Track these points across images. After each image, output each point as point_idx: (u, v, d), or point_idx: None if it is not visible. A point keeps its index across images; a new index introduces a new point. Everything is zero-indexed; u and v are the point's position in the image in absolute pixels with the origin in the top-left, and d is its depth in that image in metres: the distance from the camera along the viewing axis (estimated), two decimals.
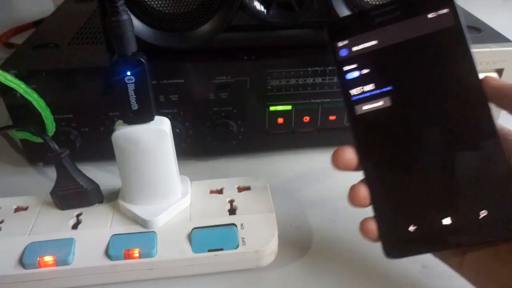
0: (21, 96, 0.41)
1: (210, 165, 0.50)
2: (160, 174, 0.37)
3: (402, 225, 0.29)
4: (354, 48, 0.31)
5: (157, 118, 0.36)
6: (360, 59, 0.30)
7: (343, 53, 0.31)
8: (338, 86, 0.30)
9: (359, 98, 0.30)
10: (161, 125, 0.36)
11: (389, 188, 0.29)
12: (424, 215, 0.29)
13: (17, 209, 0.40)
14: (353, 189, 0.30)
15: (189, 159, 0.49)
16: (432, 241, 0.28)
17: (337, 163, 0.30)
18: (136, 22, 0.41)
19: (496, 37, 0.48)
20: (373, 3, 0.43)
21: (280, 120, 0.47)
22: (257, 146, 0.50)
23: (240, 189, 0.42)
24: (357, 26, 0.31)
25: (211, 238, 0.36)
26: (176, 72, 0.44)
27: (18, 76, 0.41)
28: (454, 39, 0.29)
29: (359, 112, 0.30)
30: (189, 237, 0.36)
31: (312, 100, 0.46)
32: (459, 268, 0.30)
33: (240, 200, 0.40)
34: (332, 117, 0.47)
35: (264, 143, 0.49)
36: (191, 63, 0.44)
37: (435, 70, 0.29)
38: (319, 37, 0.45)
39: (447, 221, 0.28)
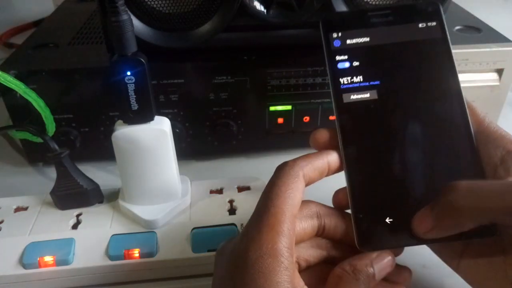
0: (21, 96, 0.41)
1: (210, 165, 0.50)
2: (160, 174, 0.37)
3: (378, 216, 0.28)
4: (348, 41, 0.32)
5: (157, 118, 0.36)
6: (352, 52, 0.32)
7: (337, 43, 0.32)
8: (326, 75, 0.32)
9: (348, 87, 0.31)
10: (161, 125, 0.36)
11: (368, 178, 0.29)
12: (402, 208, 0.29)
13: (17, 209, 0.40)
14: (335, 194, 0.30)
15: (189, 159, 0.49)
16: (407, 235, 0.28)
17: (314, 143, 0.31)
18: (136, 22, 0.41)
19: (496, 37, 0.48)
20: (373, 3, 0.43)
21: (280, 120, 0.47)
22: (257, 146, 0.50)
23: (240, 189, 0.42)
24: (352, 22, 0.32)
25: (211, 238, 0.36)
26: (176, 72, 0.44)
27: (18, 76, 0.41)
28: (440, 47, 0.31)
29: (346, 101, 0.31)
30: (189, 237, 0.36)
31: (312, 100, 0.46)
32: (457, 270, 0.30)
33: (240, 200, 0.40)
34: (332, 117, 0.47)
35: (264, 143, 0.49)
36: (191, 63, 0.44)
37: (420, 72, 0.31)
38: (319, 37, 0.45)
39: None
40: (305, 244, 0.29)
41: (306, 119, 0.47)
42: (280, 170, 0.28)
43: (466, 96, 0.31)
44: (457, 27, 0.50)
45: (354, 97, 0.31)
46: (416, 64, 0.31)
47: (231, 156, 0.50)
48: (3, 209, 0.40)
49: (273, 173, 0.29)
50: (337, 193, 0.30)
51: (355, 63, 0.32)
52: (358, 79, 0.31)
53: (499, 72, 0.47)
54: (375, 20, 0.32)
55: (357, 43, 0.32)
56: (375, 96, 0.31)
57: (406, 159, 0.30)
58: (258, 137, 0.48)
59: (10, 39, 0.77)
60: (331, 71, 0.32)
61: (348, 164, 0.30)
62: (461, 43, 0.46)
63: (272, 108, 0.47)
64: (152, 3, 0.41)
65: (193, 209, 0.39)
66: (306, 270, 0.29)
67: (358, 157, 0.30)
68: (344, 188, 0.30)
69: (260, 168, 0.49)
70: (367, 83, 0.31)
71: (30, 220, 0.38)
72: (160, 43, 0.42)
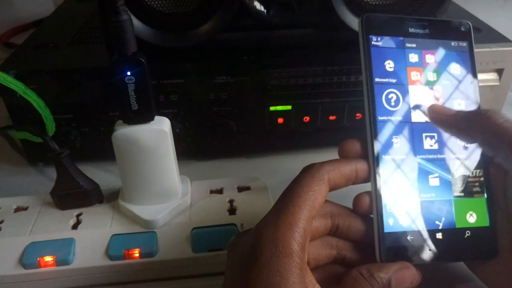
0: (21, 96, 0.41)
1: (210, 165, 0.50)
2: (160, 174, 0.37)
3: (402, 232, 0.29)
4: (387, 44, 0.32)
5: (157, 118, 0.36)
6: (389, 55, 0.32)
7: (376, 44, 0.32)
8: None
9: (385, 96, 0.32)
10: (161, 125, 0.36)
11: (396, 194, 0.30)
12: (425, 226, 0.30)
13: (17, 209, 0.40)
14: (357, 198, 0.30)
15: (189, 159, 0.49)
16: (424, 253, 0.29)
17: (344, 153, 0.31)
18: (136, 22, 0.41)
19: (496, 37, 0.48)
20: (373, 3, 0.43)
21: (280, 120, 0.47)
22: (257, 146, 0.50)
23: (240, 189, 0.42)
24: (391, 26, 0.33)
25: (211, 238, 0.36)
26: (176, 72, 0.44)
27: (18, 76, 0.41)
28: (466, 64, 0.33)
29: (383, 112, 0.31)
30: (189, 237, 0.36)
31: (312, 100, 0.46)
32: (474, 272, 0.31)
33: (240, 200, 0.40)
34: (332, 117, 0.47)
35: (264, 143, 0.49)
36: (191, 63, 0.44)
37: (445, 86, 0.33)
38: (319, 37, 0.45)
39: (439, 235, 0.30)
40: (316, 243, 0.29)
41: (306, 119, 0.47)
42: (306, 171, 0.28)
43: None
44: None
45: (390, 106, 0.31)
46: (442, 76, 0.32)
47: (231, 156, 0.50)
48: (3, 209, 0.40)
49: (298, 173, 0.29)
50: (359, 197, 0.30)
51: (391, 67, 0.32)
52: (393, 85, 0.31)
53: (499, 72, 0.47)
54: (412, 30, 0.33)
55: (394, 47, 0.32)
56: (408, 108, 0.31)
57: (435, 179, 0.31)
58: (258, 137, 0.48)
59: (10, 39, 0.77)
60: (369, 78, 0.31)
61: (377, 177, 0.30)
62: None
63: (272, 108, 0.47)
64: (152, 3, 0.41)
65: (193, 209, 0.39)
66: (315, 269, 0.29)
67: (388, 171, 0.30)
68: (366, 192, 0.30)
69: (260, 168, 0.49)
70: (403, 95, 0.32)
71: (30, 220, 0.38)
72: (160, 43, 0.42)
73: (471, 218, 0.31)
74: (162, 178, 0.38)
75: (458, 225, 0.30)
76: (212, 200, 0.41)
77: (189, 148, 0.48)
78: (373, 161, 0.30)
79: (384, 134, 0.30)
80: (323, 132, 0.48)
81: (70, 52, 0.47)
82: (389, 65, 0.31)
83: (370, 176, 0.30)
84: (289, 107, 0.47)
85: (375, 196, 0.29)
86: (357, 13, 0.43)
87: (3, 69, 0.41)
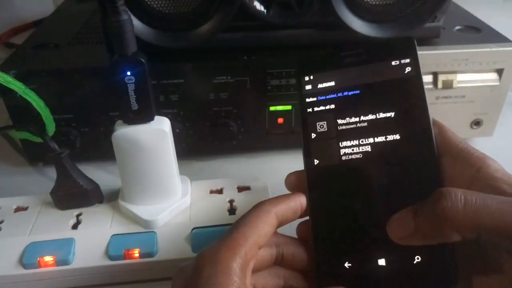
0: (21, 96, 0.41)
1: (210, 165, 0.50)
2: (160, 174, 0.37)
3: (338, 260, 0.28)
4: (319, 85, 0.32)
5: (157, 118, 0.36)
6: (321, 95, 0.32)
7: (308, 86, 0.32)
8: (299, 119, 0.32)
9: (316, 132, 0.31)
10: (161, 125, 0.36)
11: (331, 220, 0.29)
12: (361, 253, 0.28)
13: (17, 209, 0.40)
14: (299, 225, 0.31)
15: (189, 159, 0.49)
16: (367, 281, 0.27)
17: (288, 186, 0.32)
18: (136, 22, 0.41)
19: (496, 37, 0.48)
20: (373, 3, 0.43)
21: (280, 120, 0.47)
22: (257, 146, 0.50)
23: (240, 189, 0.42)
24: (325, 63, 0.33)
25: (211, 238, 0.36)
26: (176, 72, 0.44)
27: (18, 76, 0.41)
28: (413, 86, 0.30)
29: (314, 145, 0.31)
30: (189, 237, 0.36)
31: None
32: None
33: (240, 200, 0.40)
34: None
35: (264, 143, 0.49)
36: (191, 63, 0.44)
37: (391, 113, 0.30)
38: (319, 37, 0.45)
39: (382, 262, 0.27)
40: (262, 273, 0.29)
41: None
42: (254, 207, 0.29)
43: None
44: (457, 27, 0.50)
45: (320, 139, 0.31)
46: (387, 103, 0.30)
47: (231, 156, 0.50)
48: (3, 209, 0.40)
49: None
50: (301, 224, 0.31)
51: (323, 107, 0.32)
52: (324, 122, 0.31)
53: (499, 72, 0.47)
54: (347, 60, 0.32)
55: (327, 87, 0.32)
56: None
57: (367, 205, 0.29)
58: (258, 137, 0.48)
59: (10, 39, 0.77)
60: (303, 114, 0.32)
61: (312, 208, 0.30)
62: (461, 43, 0.46)
63: (272, 108, 0.47)
64: (152, 3, 0.41)
65: (193, 209, 0.39)
66: None
67: (322, 200, 0.30)
68: (307, 220, 0.30)
69: (260, 168, 0.49)
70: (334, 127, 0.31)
71: (30, 220, 0.38)
72: (160, 43, 0.42)
73: None
74: (162, 178, 0.38)
75: (404, 250, 0.26)
76: (212, 200, 0.41)
77: (189, 148, 0.48)
78: (309, 191, 0.30)
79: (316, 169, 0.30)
80: None
81: (70, 52, 0.47)
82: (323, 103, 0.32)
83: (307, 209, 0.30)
84: (289, 107, 0.47)
85: (311, 223, 0.29)
86: (357, 13, 0.43)
87: (3, 69, 0.41)
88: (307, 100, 0.32)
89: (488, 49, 0.45)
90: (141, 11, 0.41)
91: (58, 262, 0.35)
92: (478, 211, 0.23)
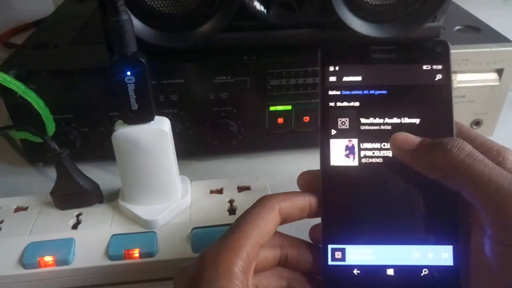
0: (21, 96, 0.41)
1: (210, 165, 0.50)
2: (160, 174, 0.37)
3: (346, 267, 0.28)
4: (344, 78, 0.30)
5: (157, 118, 0.36)
6: (345, 90, 0.30)
7: (332, 79, 0.30)
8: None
9: (336, 132, 0.30)
10: (161, 125, 0.36)
11: (343, 225, 0.29)
12: (371, 260, 0.28)
13: (17, 209, 0.40)
14: (312, 228, 0.30)
15: (189, 159, 0.49)
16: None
17: (300, 184, 0.31)
18: (136, 22, 0.41)
19: (496, 37, 0.48)
20: (373, 3, 0.43)
21: (280, 120, 0.47)
22: (257, 146, 0.50)
23: (240, 189, 0.42)
24: (352, 55, 0.31)
25: (211, 238, 0.36)
26: (176, 72, 0.44)
27: (18, 76, 0.41)
28: (442, 96, 0.29)
29: (333, 146, 0.29)
30: (189, 237, 0.36)
31: (312, 100, 0.46)
32: None
33: (240, 200, 0.40)
34: None
35: (264, 143, 0.49)
36: (191, 63, 0.44)
37: (416, 119, 0.29)
38: (319, 37, 0.45)
39: (390, 271, 0.27)
40: (266, 273, 0.29)
41: (306, 119, 0.47)
42: (258, 201, 0.28)
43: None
44: (457, 27, 0.50)
45: (341, 141, 0.29)
46: (412, 110, 0.29)
47: (231, 156, 0.50)
48: (3, 209, 0.40)
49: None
50: (313, 227, 0.30)
51: (347, 103, 0.30)
52: (347, 119, 0.30)
53: (499, 72, 0.47)
54: (377, 55, 0.30)
55: (353, 82, 0.30)
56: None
57: (382, 212, 0.28)
58: (258, 137, 0.48)
59: (10, 39, 0.77)
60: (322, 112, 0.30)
61: (324, 210, 0.29)
62: (461, 43, 0.46)
63: (272, 108, 0.47)
64: (152, 3, 0.41)
65: (193, 209, 0.39)
66: None
67: (334, 203, 0.29)
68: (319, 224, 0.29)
69: (260, 168, 0.49)
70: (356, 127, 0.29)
71: (30, 220, 0.38)
72: (160, 43, 0.42)
73: (430, 254, 0.27)
74: (162, 178, 0.38)
75: (413, 261, 0.27)
76: (212, 200, 0.41)
77: (189, 148, 0.48)
78: (322, 191, 0.29)
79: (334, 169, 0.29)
80: None
81: (70, 52, 0.47)
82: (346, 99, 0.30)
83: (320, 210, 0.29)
84: (289, 107, 0.47)
85: (322, 225, 0.29)
86: (357, 13, 0.43)
87: (3, 69, 0.41)
88: (330, 92, 0.30)
89: (488, 49, 0.46)
90: (141, 11, 0.41)
91: (58, 262, 0.35)
92: (473, 165, 0.25)
